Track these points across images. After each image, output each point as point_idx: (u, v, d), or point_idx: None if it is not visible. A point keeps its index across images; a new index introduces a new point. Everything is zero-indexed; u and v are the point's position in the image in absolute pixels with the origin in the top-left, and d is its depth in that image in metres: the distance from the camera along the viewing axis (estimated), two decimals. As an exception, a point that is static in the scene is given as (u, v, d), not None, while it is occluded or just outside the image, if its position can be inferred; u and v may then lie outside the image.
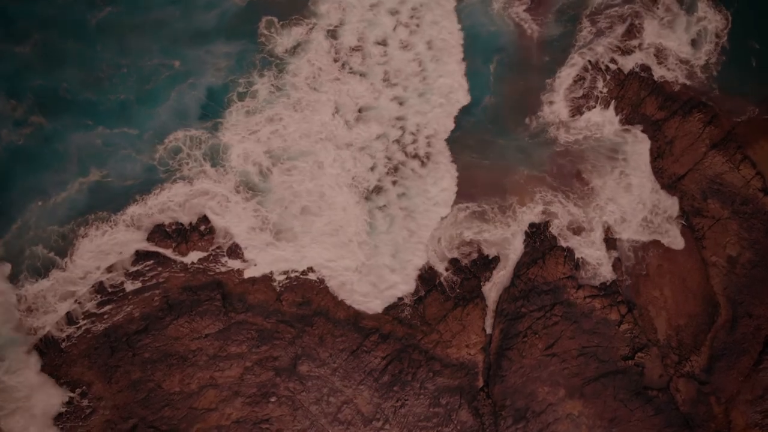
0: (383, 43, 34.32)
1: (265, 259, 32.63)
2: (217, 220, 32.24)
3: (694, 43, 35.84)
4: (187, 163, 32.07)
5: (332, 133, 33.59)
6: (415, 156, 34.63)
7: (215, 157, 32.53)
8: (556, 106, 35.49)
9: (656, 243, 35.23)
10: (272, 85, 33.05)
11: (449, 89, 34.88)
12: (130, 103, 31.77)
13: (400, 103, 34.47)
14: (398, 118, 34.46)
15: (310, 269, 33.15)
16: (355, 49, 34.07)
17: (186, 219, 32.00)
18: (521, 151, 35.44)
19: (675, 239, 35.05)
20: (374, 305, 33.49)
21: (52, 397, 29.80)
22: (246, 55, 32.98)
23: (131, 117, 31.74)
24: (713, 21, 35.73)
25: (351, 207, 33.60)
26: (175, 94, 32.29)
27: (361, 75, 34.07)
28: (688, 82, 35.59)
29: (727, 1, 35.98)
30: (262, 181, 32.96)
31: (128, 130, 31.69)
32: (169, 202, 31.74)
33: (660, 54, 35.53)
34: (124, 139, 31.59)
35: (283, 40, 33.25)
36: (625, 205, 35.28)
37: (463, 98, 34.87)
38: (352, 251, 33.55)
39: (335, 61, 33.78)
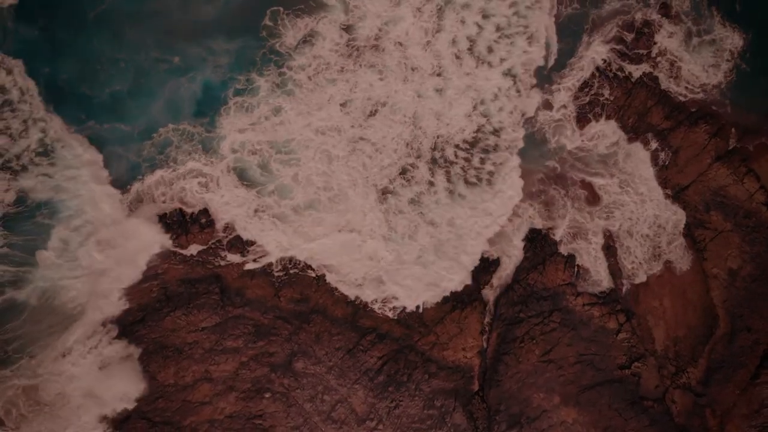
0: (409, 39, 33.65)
1: (267, 250, 32.64)
2: (216, 209, 32.15)
3: (707, 58, 35.54)
4: (176, 156, 31.75)
5: (340, 129, 33.36)
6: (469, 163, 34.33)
7: (208, 148, 32.22)
8: (562, 111, 35.34)
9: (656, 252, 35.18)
10: (274, 82, 32.75)
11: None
12: (124, 98, 31.28)
13: (419, 95, 34.10)
14: (413, 116, 34.31)
15: (309, 266, 33.06)
16: (373, 46, 33.73)
17: (177, 207, 31.86)
18: (525, 154, 35.23)
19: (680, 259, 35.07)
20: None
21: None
22: (247, 51, 32.44)
23: (124, 112, 31.27)
24: (728, 39, 35.46)
25: (368, 207, 33.46)
26: (172, 90, 31.85)
27: (379, 71, 33.65)
28: (698, 96, 35.39)
29: (743, 20, 35.66)
30: (263, 174, 32.82)
31: (120, 126, 31.24)
32: (159, 190, 31.63)
33: (671, 66, 35.34)
34: (113, 134, 31.17)
35: (289, 34, 32.84)
36: (629, 214, 35.23)
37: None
38: (367, 252, 33.54)
39: (348, 56, 33.47)
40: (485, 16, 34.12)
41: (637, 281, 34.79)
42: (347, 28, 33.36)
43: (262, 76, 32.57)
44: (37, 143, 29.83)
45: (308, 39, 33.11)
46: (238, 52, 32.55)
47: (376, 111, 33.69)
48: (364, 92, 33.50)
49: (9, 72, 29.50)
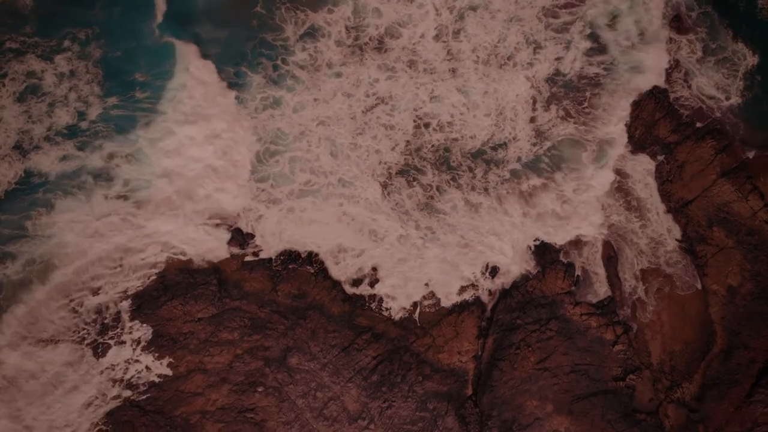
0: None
1: (266, 241, 32.69)
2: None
3: (719, 74, 35.32)
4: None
5: (341, 122, 33.23)
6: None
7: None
8: (568, 120, 35.16)
9: (658, 268, 34.98)
10: (269, 76, 32.53)
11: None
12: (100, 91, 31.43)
13: (431, 97, 34.13)
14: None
15: (308, 261, 32.98)
16: (380, 44, 33.53)
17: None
18: (531, 162, 35.14)
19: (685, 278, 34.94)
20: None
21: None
22: (236, 42, 32.27)
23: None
24: (742, 56, 35.26)
25: (372, 199, 33.46)
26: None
27: (388, 69, 33.44)
28: (707, 111, 35.19)
29: (758, 38, 35.44)
30: (259, 163, 32.79)
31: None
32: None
33: (681, 80, 35.17)
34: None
35: (288, 27, 32.46)
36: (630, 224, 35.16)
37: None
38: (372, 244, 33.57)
39: (352, 54, 33.28)
40: (511, 20, 34.08)
41: (645, 317, 34.67)
42: (356, 26, 33.21)
43: (254, 71, 32.31)
44: (63, 125, 30.19)
45: (310, 32, 32.79)
46: (226, 41, 32.34)
47: (376, 105, 33.54)
48: (369, 88, 33.40)
49: (46, 59, 29.84)
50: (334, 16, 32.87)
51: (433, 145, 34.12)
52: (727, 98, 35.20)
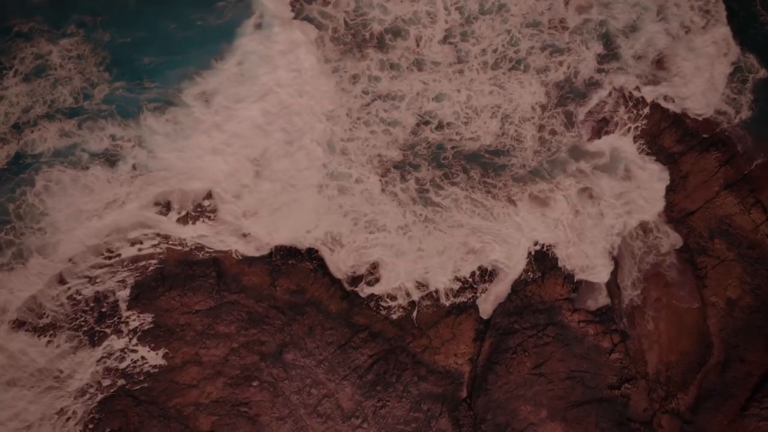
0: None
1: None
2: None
3: (730, 89, 35.31)
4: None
5: (339, 115, 33.20)
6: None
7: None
8: (575, 128, 35.10)
9: (657, 276, 34.96)
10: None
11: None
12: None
13: (434, 97, 33.94)
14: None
15: (307, 256, 32.90)
16: (381, 40, 33.45)
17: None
18: (533, 171, 34.99)
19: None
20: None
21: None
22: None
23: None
24: (750, 67, 35.25)
25: (375, 192, 33.39)
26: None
27: (391, 66, 33.29)
28: (712, 122, 35.16)
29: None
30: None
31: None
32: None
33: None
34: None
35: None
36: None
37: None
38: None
39: (349, 51, 33.09)
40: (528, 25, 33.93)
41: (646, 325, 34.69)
42: (357, 22, 33.02)
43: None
44: (62, 102, 30.17)
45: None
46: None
47: (374, 101, 33.40)
48: (368, 85, 33.27)
49: (52, 42, 29.97)
50: (334, 8, 32.57)
51: (429, 143, 33.97)
52: (737, 112, 35.17)
